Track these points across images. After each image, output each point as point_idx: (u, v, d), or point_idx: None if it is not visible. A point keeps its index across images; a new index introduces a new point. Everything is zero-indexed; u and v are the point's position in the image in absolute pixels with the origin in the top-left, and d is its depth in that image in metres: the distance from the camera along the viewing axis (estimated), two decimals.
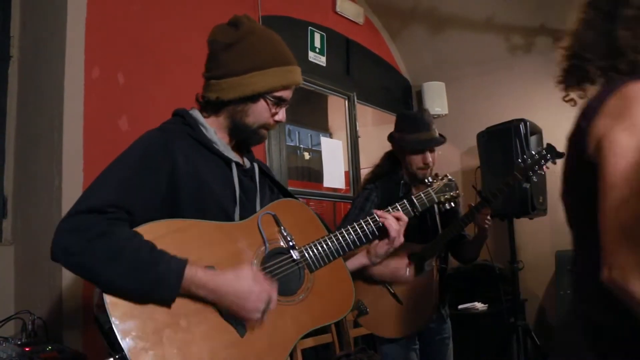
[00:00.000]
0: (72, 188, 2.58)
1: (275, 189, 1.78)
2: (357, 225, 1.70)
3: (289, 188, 4.06)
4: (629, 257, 0.94)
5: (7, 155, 2.87)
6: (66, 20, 2.67)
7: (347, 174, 4.60)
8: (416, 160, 2.64)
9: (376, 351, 3.77)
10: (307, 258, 1.58)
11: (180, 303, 1.33)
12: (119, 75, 2.89)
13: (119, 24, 2.93)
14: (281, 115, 1.61)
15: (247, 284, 1.38)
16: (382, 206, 1.82)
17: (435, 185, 1.97)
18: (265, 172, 1.75)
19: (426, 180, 2.03)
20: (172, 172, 1.43)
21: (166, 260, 1.31)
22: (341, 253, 1.64)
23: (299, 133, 5.48)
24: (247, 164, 1.67)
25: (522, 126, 3.99)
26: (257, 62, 1.52)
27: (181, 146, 1.47)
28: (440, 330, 2.73)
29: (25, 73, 2.91)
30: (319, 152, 4.58)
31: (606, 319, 1.10)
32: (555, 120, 4.43)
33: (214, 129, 1.58)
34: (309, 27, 4.21)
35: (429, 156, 2.62)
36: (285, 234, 1.57)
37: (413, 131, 2.66)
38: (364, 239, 1.69)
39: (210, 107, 1.58)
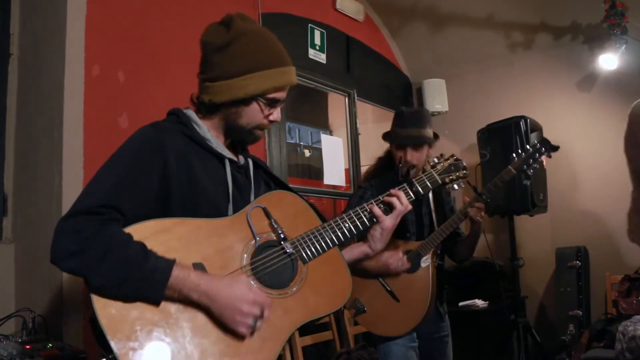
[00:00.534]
0: (72, 186, 2.58)
1: (272, 184, 1.78)
2: (353, 212, 1.67)
3: (290, 185, 4.07)
4: None
5: (7, 154, 2.86)
6: (66, 18, 2.67)
7: (347, 171, 4.60)
8: (397, 155, 2.62)
9: (376, 348, 3.77)
10: (299, 249, 1.55)
11: (169, 302, 1.33)
12: (119, 73, 2.89)
13: (119, 22, 2.93)
14: (276, 115, 1.59)
15: (242, 290, 1.37)
16: None
17: (439, 167, 1.90)
18: (261, 167, 1.74)
19: (430, 162, 1.96)
20: (164, 170, 1.43)
21: (153, 259, 1.31)
22: (336, 243, 1.61)
23: (299, 130, 5.48)
24: (242, 160, 1.67)
25: (522, 123, 3.99)
26: (249, 65, 1.51)
27: (173, 143, 1.47)
28: (438, 328, 2.73)
29: (25, 71, 2.91)
30: (319, 150, 4.58)
31: None
32: (555, 116, 4.45)
33: (207, 128, 1.58)
34: (309, 24, 4.20)
35: (409, 153, 2.58)
36: (275, 226, 1.54)
37: (401, 126, 2.66)
38: (360, 227, 1.67)
39: (204, 108, 1.58)
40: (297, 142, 5.42)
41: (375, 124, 5.52)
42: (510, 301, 4.02)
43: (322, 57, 4.29)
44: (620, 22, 3.89)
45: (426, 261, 2.55)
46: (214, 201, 1.51)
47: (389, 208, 1.72)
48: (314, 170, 5.29)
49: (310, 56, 4.20)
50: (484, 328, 4.11)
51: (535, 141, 2.49)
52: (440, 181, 1.88)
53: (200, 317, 1.36)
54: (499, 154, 3.96)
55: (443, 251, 2.77)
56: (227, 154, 1.59)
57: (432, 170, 1.89)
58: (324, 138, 4.64)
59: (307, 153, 5.45)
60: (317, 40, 4.26)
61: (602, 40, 4.18)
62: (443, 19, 4.91)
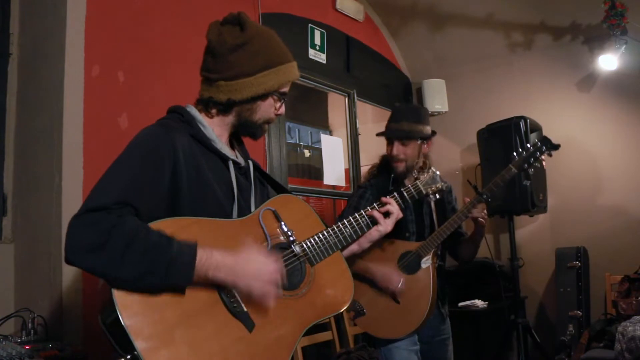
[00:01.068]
0: (72, 186, 2.58)
1: (268, 185, 1.82)
2: (353, 218, 1.76)
3: (290, 186, 4.07)
4: None
5: (7, 153, 2.86)
6: (66, 18, 2.67)
7: (347, 171, 4.60)
8: (387, 149, 2.70)
9: (376, 348, 3.76)
10: (307, 252, 1.61)
11: (189, 301, 1.34)
12: (119, 73, 2.89)
13: (119, 22, 2.93)
14: (282, 109, 1.67)
15: (263, 259, 1.43)
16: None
17: (422, 178, 2.00)
18: (257, 168, 1.77)
19: (413, 174, 2.06)
20: (174, 168, 1.44)
21: (177, 244, 1.32)
22: (339, 247, 1.69)
23: (299, 130, 5.48)
24: (242, 161, 1.69)
25: (522, 123, 4.00)
26: (267, 62, 1.57)
27: (181, 142, 1.48)
28: (440, 331, 2.71)
29: (25, 71, 2.91)
30: (319, 150, 4.58)
31: None
32: (555, 117, 4.45)
33: (212, 127, 1.59)
34: (309, 25, 4.20)
35: (395, 147, 2.64)
36: (285, 229, 1.60)
37: (391, 121, 2.72)
38: (359, 232, 1.77)
39: (218, 107, 1.60)
40: (297, 142, 5.42)
41: (375, 124, 5.51)
42: (510, 301, 4.02)
43: (322, 57, 4.29)
44: (620, 23, 3.89)
45: (426, 262, 2.53)
46: (219, 202, 1.53)
47: (386, 214, 1.83)
48: (313, 171, 5.29)
49: (310, 56, 4.19)
50: (483, 328, 4.11)
51: (536, 139, 2.48)
52: (424, 192, 1.99)
53: (220, 316, 1.39)
54: (499, 154, 3.96)
55: (444, 252, 2.75)
56: (231, 155, 1.62)
57: (416, 181, 2.00)
58: (324, 138, 4.64)
59: (307, 153, 5.45)
60: (317, 40, 4.26)
61: (602, 40, 4.18)
62: (443, 19, 4.91)
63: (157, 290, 1.30)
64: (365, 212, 1.79)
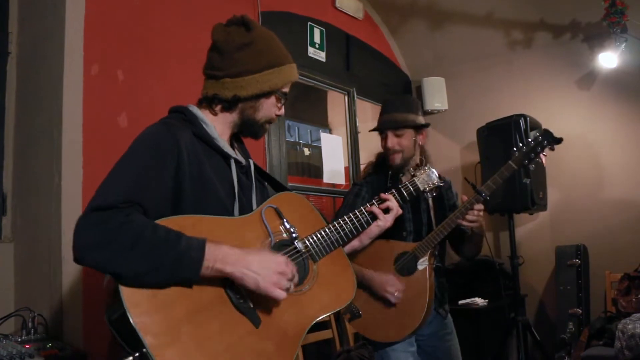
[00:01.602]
0: (71, 185, 2.58)
1: (265, 183, 1.85)
2: (353, 215, 1.79)
3: (289, 184, 4.07)
4: None
5: (6, 153, 2.86)
6: (65, 17, 2.66)
7: (347, 169, 4.60)
8: (381, 144, 2.65)
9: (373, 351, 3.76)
10: (310, 249, 1.64)
11: (195, 298, 1.36)
12: (119, 72, 2.88)
13: (118, 21, 2.92)
14: (282, 109, 1.71)
15: (271, 256, 1.46)
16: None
17: (418, 175, 2.00)
18: (257, 169, 1.80)
19: (409, 171, 2.10)
20: (178, 166, 1.46)
21: (185, 239, 1.34)
22: (340, 243, 1.72)
23: (298, 129, 5.47)
24: (243, 160, 1.71)
25: (522, 121, 4.00)
26: (272, 61, 1.63)
27: (184, 141, 1.50)
28: (440, 327, 2.65)
29: (24, 70, 2.90)
30: (319, 148, 4.57)
31: None
32: (555, 115, 4.45)
33: (214, 125, 1.62)
34: (309, 23, 4.20)
35: (389, 139, 2.59)
36: (288, 226, 1.62)
37: (381, 114, 2.70)
38: (360, 228, 1.80)
39: (221, 104, 1.62)
40: (297, 140, 5.42)
41: (374, 122, 5.50)
42: (510, 299, 4.02)
43: (321, 56, 4.29)
44: (620, 20, 3.89)
45: (423, 263, 2.46)
46: (221, 200, 1.54)
47: (386, 210, 1.87)
48: (313, 169, 5.29)
49: (310, 54, 4.19)
50: (483, 326, 4.11)
51: (537, 133, 2.40)
52: (421, 188, 1.98)
53: (227, 313, 1.41)
54: (499, 152, 3.96)
55: (443, 252, 2.71)
56: (233, 154, 1.64)
57: (413, 178, 1.99)
58: (324, 136, 4.64)
59: (306, 151, 5.45)
60: (317, 39, 4.26)
61: (602, 38, 4.18)
62: (442, 17, 4.91)
63: (166, 285, 1.32)
64: (365, 208, 1.83)
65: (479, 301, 4.19)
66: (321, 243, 1.66)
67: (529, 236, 4.68)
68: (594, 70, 4.38)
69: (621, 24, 3.90)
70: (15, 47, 2.92)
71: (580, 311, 4.08)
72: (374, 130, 2.74)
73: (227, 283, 1.43)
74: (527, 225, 4.68)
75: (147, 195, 1.38)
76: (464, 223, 2.40)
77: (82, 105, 2.69)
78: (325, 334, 3.40)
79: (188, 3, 3.32)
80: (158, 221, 1.37)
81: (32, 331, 2.38)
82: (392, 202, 1.87)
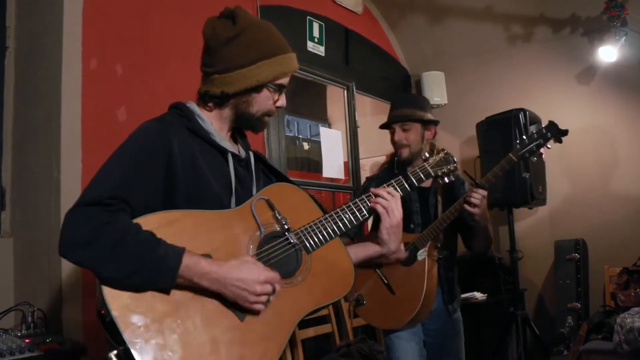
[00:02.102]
0: (70, 179, 2.58)
1: (273, 177, 1.81)
2: (352, 203, 1.70)
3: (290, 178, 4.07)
4: None
5: (5, 147, 2.86)
6: (63, 11, 2.65)
7: (346, 164, 4.59)
8: (390, 138, 2.70)
9: (376, 341, 3.77)
10: (303, 240, 1.59)
11: (178, 291, 1.35)
12: (117, 66, 2.88)
13: (116, 15, 2.91)
14: (282, 100, 1.65)
15: (252, 272, 1.40)
16: None
17: (431, 160, 1.94)
18: (260, 160, 1.77)
19: (422, 156, 2.01)
20: (169, 163, 1.45)
21: (163, 248, 1.33)
22: (338, 233, 1.64)
23: (297, 123, 5.47)
24: (243, 153, 1.70)
25: (521, 115, 3.99)
26: (259, 54, 1.56)
27: (177, 136, 1.49)
28: (447, 326, 2.70)
29: (22, 64, 2.89)
30: (318, 143, 4.57)
31: None
32: (554, 109, 4.44)
33: (211, 121, 1.61)
34: (308, 17, 4.18)
35: (397, 133, 2.65)
36: (279, 217, 1.57)
37: (391, 110, 2.75)
38: (360, 218, 1.70)
39: (213, 101, 1.61)
40: (296, 135, 5.42)
41: (374, 116, 5.51)
42: (509, 294, 4.03)
43: (320, 50, 4.28)
44: (620, 14, 3.88)
45: (422, 254, 2.51)
46: (217, 194, 1.53)
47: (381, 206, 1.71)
48: (313, 163, 5.29)
49: (309, 49, 4.18)
50: (483, 320, 4.12)
51: (543, 126, 2.37)
52: (433, 174, 1.91)
53: (211, 306, 1.39)
54: (498, 147, 3.96)
55: (452, 244, 2.74)
56: (230, 147, 1.62)
57: (424, 163, 1.92)
58: (323, 131, 4.64)
59: (306, 146, 5.45)
60: (316, 33, 4.24)
61: (602, 32, 4.17)
62: (442, 11, 4.90)
63: (142, 289, 1.31)
64: (365, 196, 1.71)
65: (478, 295, 4.20)
66: (315, 234, 1.60)
67: (528, 231, 4.68)
68: (594, 65, 4.38)
69: (621, 17, 3.89)
70: (13, 41, 2.91)
71: (579, 305, 4.09)
72: (383, 126, 2.77)
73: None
74: (526, 220, 4.69)
75: (135, 192, 1.38)
76: (468, 208, 2.42)
77: (81, 100, 2.68)
78: (324, 328, 3.40)
79: None
80: (142, 217, 1.37)
81: (31, 326, 2.38)
82: (382, 196, 1.70)
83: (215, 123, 1.62)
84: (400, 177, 1.81)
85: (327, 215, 1.65)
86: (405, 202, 2.57)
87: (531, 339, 3.91)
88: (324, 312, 3.30)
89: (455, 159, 1.99)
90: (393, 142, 2.69)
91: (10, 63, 2.90)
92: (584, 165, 4.44)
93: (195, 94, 1.66)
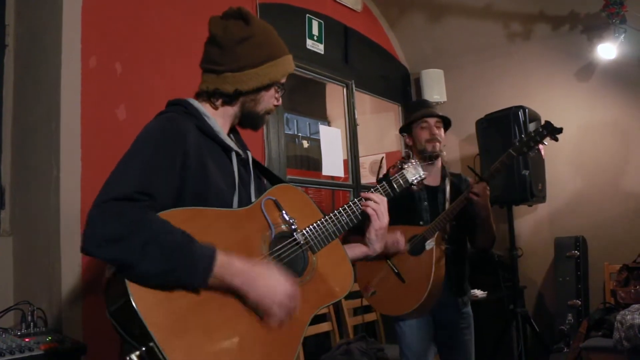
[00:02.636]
0: (70, 178, 2.57)
1: (264, 177, 1.84)
2: (347, 206, 1.78)
3: (288, 177, 4.07)
4: None
5: (4, 146, 2.85)
6: (62, 9, 2.65)
7: (345, 162, 4.59)
8: (423, 134, 2.78)
9: (376, 339, 3.78)
10: (309, 240, 1.64)
11: (200, 290, 1.35)
12: (117, 64, 2.87)
13: (116, 13, 2.90)
14: (280, 99, 1.73)
15: (282, 281, 1.44)
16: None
17: (406, 167, 2.02)
18: (254, 161, 1.80)
19: (398, 164, 2.06)
20: (184, 160, 1.45)
21: (198, 246, 1.33)
22: (337, 234, 1.72)
23: (297, 121, 5.47)
24: (242, 153, 1.71)
25: (520, 113, 4.00)
26: (271, 54, 1.64)
27: (189, 134, 1.50)
28: (457, 318, 2.76)
29: (22, 62, 2.89)
30: (318, 141, 4.57)
31: None
32: (554, 106, 4.44)
33: (215, 119, 1.62)
34: (307, 15, 4.18)
35: (433, 128, 2.77)
36: (287, 217, 1.62)
37: (417, 109, 2.86)
38: (354, 220, 1.78)
39: (223, 98, 1.63)
40: (296, 133, 5.42)
41: (373, 114, 5.51)
42: (509, 291, 4.03)
43: (320, 48, 4.27)
44: (619, 11, 3.88)
45: (430, 244, 2.61)
46: (222, 192, 1.54)
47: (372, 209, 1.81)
48: (312, 161, 5.29)
49: (308, 47, 4.18)
50: (482, 318, 4.10)
51: (540, 125, 2.48)
52: (409, 181, 1.99)
53: (232, 305, 1.40)
54: (498, 144, 3.96)
55: (460, 236, 2.82)
56: (234, 146, 1.65)
57: (402, 171, 2.01)
58: (322, 129, 4.63)
59: (305, 144, 5.45)
60: (315, 31, 4.24)
61: (601, 29, 4.17)
62: (441, 9, 4.89)
63: (173, 288, 1.31)
64: (358, 200, 1.80)
65: (478, 293, 4.19)
66: (319, 234, 1.67)
67: (528, 228, 4.69)
68: (593, 62, 4.37)
69: (620, 14, 3.89)
70: (12, 39, 2.90)
71: (580, 302, 4.10)
72: (413, 120, 2.83)
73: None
74: (526, 217, 4.69)
75: (158, 187, 1.37)
76: (472, 196, 2.59)
77: (80, 98, 2.67)
78: (324, 327, 3.41)
79: None
80: (163, 213, 1.36)
81: (31, 325, 2.37)
82: (373, 200, 1.80)
83: (219, 120, 1.63)
84: (384, 182, 1.92)
85: (327, 217, 1.71)
86: (414, 200, 2.72)
87: (531, 337, 3.91)
88: (324, 310, 3.30)
89: (422, 168, 2.06)
90: (429, 135, 2.77)
91: (9, 61, 2.90)
92: (584, 163, 4.44)
93: (195, 91, 1.66)
